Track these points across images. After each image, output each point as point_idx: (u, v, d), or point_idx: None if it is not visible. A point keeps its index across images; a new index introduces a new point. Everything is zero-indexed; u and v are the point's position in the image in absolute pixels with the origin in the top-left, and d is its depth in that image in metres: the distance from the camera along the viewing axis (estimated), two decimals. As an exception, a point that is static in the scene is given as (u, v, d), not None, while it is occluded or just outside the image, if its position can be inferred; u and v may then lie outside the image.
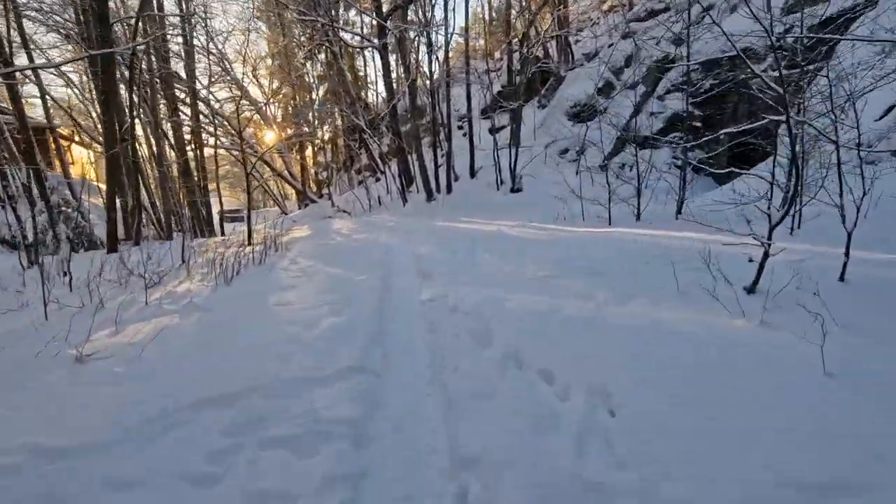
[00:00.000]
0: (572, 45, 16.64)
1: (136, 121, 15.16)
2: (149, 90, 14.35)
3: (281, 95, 26.16)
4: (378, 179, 20.90)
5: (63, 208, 10.31)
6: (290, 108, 26.70)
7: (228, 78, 21.60)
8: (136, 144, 13.01)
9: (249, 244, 9.32)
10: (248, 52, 24.61)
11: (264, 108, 25.57)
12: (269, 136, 25.22)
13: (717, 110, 13.76)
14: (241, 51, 24.02)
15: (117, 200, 10.41)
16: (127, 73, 11.86)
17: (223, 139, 20.95)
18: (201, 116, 20.39)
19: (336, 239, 9.35)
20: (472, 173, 15.38)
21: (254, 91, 25.42)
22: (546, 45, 15.94)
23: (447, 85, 14.09)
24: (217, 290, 4.69)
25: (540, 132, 15.35)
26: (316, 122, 26.17)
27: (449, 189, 14.74)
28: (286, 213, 23.72)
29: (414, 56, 15.59)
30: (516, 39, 15.69)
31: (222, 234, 15.43)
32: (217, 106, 20.77)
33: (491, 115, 14.10)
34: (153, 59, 14.14)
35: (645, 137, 14.23)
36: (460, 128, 20.67)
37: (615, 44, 15.52)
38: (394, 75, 18.98)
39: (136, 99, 11.02)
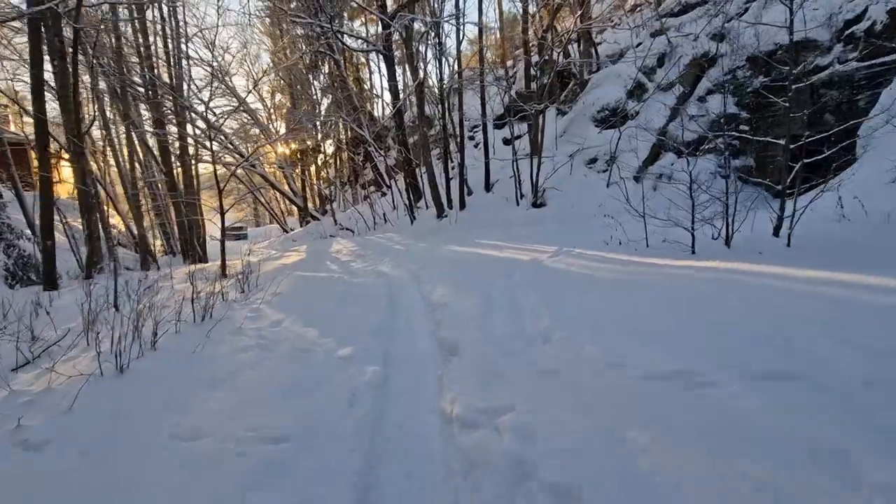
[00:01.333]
0: (596, 45, 14.88)
1: (110, 128, 13.63)
2: (118, 89, 12.74)
3: (284, 110, 24.70)
4: (384, 195, 19.17)
5: (5, 234, 8.65)
6: (293, 122, 25.26)
7: (224, 89, 20.12)
8: (100, 152, 11.44)
9: (224, 276, 7.52)
10: (249, 64, 23.21)
11: (266, 121, 24.12)
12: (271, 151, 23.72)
13: (767, 112, 11.82)
14: (241, 63, 22.51)
15: (79, 223, 8.67)
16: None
17: (219, 154, 19.39)
18: (196, 129, 18.90)
19: (330, 268, 7.54)
20: (488, 187, 13.56)
21: (254, 104, 23.98)
22: (567, 46, 14.21)
23: (459, 89, 12.35)
24: (98, 385, 2.79)
25: (562, 141, 13.53)
26: (320, 135, 24.65)
27: (462, 205, 12.92)
28: (287, 231, 22.05)
29: (422, 60, 13.90)
30: (535, 40, 13.98)
31: (201, 257, 13.70)
32: (213, 119, 19.26)
33: (510, 119, 12.28)
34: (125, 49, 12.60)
35: (685, 144, 12.34)
36: (471, 138, 18.94)
37: (645, 42, 13.72)
38: (400, 85, 17.39)
39: (89, 85, 9.46)
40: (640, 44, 13.87)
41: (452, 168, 16.37)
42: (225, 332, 3.75)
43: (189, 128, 16.48)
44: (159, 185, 14.39)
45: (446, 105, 12.66)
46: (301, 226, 21.70)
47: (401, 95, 14.91)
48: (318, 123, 23.84)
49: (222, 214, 8.17)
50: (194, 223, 13.88)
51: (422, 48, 14.45)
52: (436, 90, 17.95)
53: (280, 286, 5.51)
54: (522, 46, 15.14)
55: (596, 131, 12.99)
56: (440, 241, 9.64)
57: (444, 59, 12.21)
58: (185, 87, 14.81)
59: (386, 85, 18.18)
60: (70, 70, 8.01)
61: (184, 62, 14.32)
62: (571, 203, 11.60)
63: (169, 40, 14.26)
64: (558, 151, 13.06)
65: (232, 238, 31.43)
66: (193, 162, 20.72)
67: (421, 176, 14.84)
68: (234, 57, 20.01)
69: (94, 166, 13.96)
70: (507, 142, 17.90)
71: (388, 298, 4.84)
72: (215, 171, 9.27)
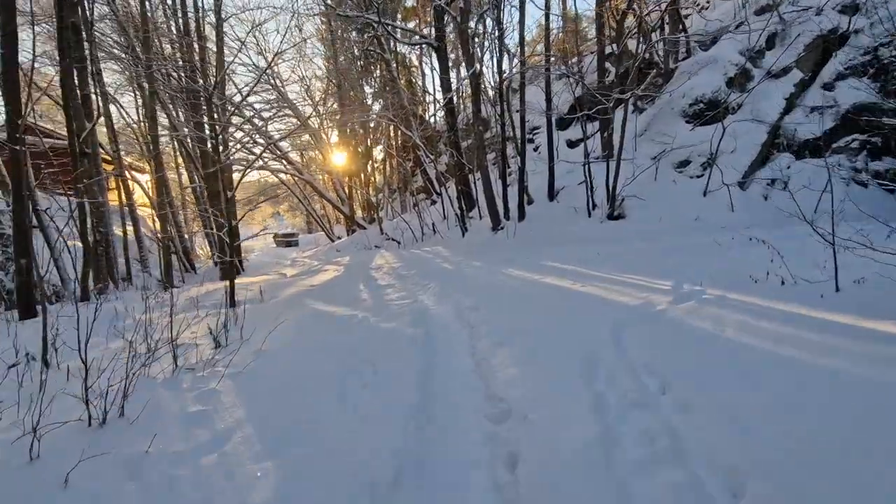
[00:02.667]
0: (685, 27, 12.46)
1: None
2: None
3: (337, 115, 23.82)
4: (433, 203, 17.56)
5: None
6: (347, 130, 24.35)
7: (274, 93, 19.39)
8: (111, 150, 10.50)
9: (233, 304, 6.03)
10: (301, 69, 22.50)
11: (317, 126, 23.33)
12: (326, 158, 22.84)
13: (926, 100, 9.03)
14: (294, 67, 21.80)
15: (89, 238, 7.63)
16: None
17: (267, 160, 18.61)
18: (240, 133, 18.21)
19: (359, 297, 5.85)
20: (551, 195, 11.54)
21: (302, 105, 23.21)
22: (647, 31, 11.94)
23: (522, 80, 10.44)
24: None
25: (643, 140, 11.27)
26: (370, 140, 23.53)
27: (521, 215, 10.97)
28: (332, 240, 20.99)
29: (478, 49, 12.12)
30: (610, 23, 11.86)
31: (239, 270, 12.57)
32: (260, 123, 18.52)
33: (584, 112, 10.22)
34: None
35: (804, 142, 9.77)
36: (531, 141, 16.92)
37: (749, 21, 11.20)
38: (454, 85, 15.72)
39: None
40: (741, 23, 11.37)
41: (510, 174, 14.48)
42: (106, 467, 2.08)
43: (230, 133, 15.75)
44: (202, 193, 13.56)
45: (505, 100, 10.79)
46: (348, 234, 20.54)
47: (454, 95, 13.27)
48: (369, 127, 22.75)
49: (230, 225, 6.75)
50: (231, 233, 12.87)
51: (477, 39, 12.68)
52: (491, 91, 16.21)
53: (279, 330, 3.86)
54: (596, 30, 13.00)
55: (687, 128, 10.63)
56: (497, 261, 7.77)
57: (503, 49, 10.37)
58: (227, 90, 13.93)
59: (438, 86, 16.60)
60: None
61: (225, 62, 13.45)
62: (658, 215, 9.35)
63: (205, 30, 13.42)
64: (638, 153, 10.83)
65: (283, 245, 31.07)
66: (237, 167, 20.15)
67: (474, 182, 13.06)
68: (281, 57, 19.20)
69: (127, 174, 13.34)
70: (571, 144, 15.76)
71: (425, 370, 3.02)
72: (240, 176, 7.91)
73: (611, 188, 9.70)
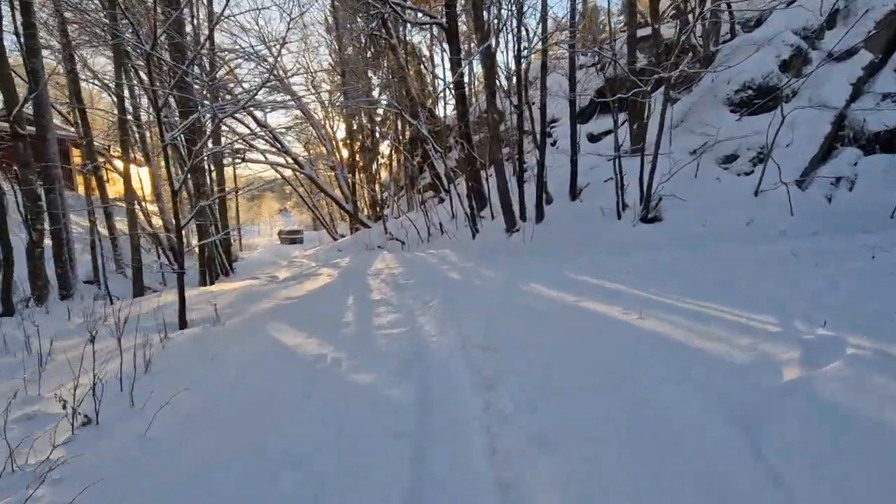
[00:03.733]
0: (730, 6, 10.90)
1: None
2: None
3: (342, 108, 22.50)
4: (441, 201, 16.24)
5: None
6: (354, 125, 23.07)
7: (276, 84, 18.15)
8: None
9: (183, 325, 4.75)
10: (307, 60, 21.24)
11: (322, 120, 22.09)
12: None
13: None
14: (299, 57, 20.52)
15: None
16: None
17: (266, 153, 17.40)
18: (245, 128, 17.02)
19: (341, 321, 4.54)
20: (574, 193, 10.14)
21: (305, 96, 21.93)
22: (686, 10, 10.45)
23: (543, 60, 9.02)
24: None
25: (679, 133, 9.82)
26: (377, 132, 22.24)
27: (539, 216, 9.60)
28: (335, 239, 19.77)
29: (493, 30, 10.71)
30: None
31: (227, 271, 11.35)
32: (260, 116, 17.30)
33: (612, 99, 8.83)
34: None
35: (874, 135, 8.30)
36: (548, 135, 15.50)
37: (805, -4, 9.66)
38: (466, 80, 14.29)
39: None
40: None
41: (525, 169, 13.11)
42: None
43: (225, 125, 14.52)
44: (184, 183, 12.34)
45: (523, 83, 9.40)
46: (351, 233, 19.29)
47: (464, 76, 11.87)
48: (375, 121, 21.46)
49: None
50: (226, 232, 11.64)
51: (493, 10, 11.27)
52: (504, 79, 14.80)
53: (197, 389, 2.58)
54: (627, 11, 11.54)
55: (732, 118, 9.16)
56: (513, 271, 6.42)
57: (521, 25, 8.97)
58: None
59: (450, 76, 15.12)
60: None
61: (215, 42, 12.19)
62: (701, 217, 7.93)
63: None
64: (674, 147, 9.38)
65: (288, 242, 29.99)
66: (231, 162, 18.99)
67: (486, 179, 11.71)
68: (286, 48, 17.93)
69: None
70: (593, 138, 14.29)
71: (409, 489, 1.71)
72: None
73: (645, 186, 8.29)
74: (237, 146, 14.56)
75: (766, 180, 7.94)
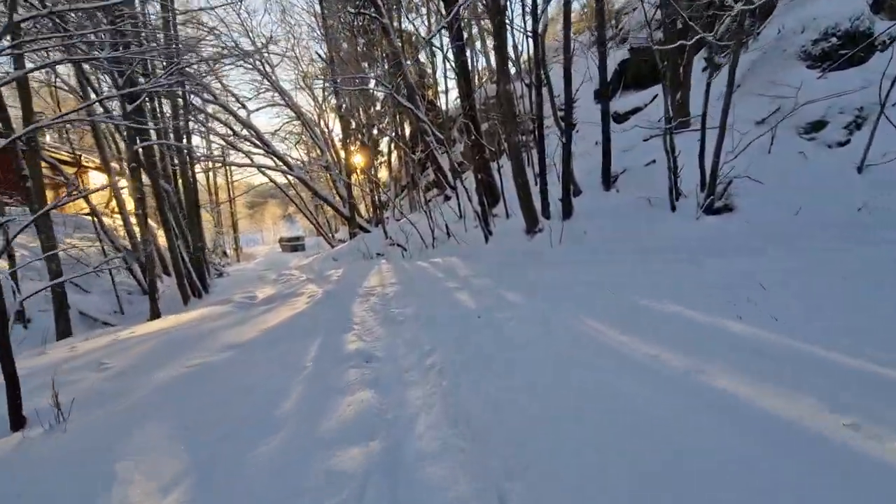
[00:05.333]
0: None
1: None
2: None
3: (343, 108, 20.58)
4: (447, 199, 14.31)
5: None
6: (352, 123, 21.21)
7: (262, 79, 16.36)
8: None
9: (18, 427, 2.84)
10: (297, 52, 19.40)
11: (316, 119, 20.27)
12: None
13: None
14: (286, 55, 18.65)
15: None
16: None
17: (252, 153, 15.59)
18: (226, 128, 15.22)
19: (282, 403, 2.66)
20: (608, 182, 8.16)
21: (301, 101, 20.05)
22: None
23: (566, 9, 7.00)
24: None
25: (738, 98, 7.75)
26: (376, 127, 20.35)
27: (567, 211, 7.64)
28: (332, 246, 17.96)
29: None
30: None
31: (199, 292, 9.55)
32: (244, 115, 15.50)
33: (668, 47, 6.81)
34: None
35: None
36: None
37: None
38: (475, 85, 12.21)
39: None
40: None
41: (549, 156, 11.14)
42: None
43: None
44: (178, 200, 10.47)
45: (540, 47, 7.40)
46: (351, 237, 17.45)
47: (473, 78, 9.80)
48: (372, 115, 19.58)
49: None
50: (196, 247, 9.84)
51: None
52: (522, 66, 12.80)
53: None
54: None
55: (811, 75, 7.09)
56: (550, 293, 4.49)
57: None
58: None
59: (451, 68, 13.09)
60: None
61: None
62: (787, 204, 5.91)
63: None
64: (732, 117, 7.32)
65: (289, 249, 28.24)
66: (211, 166, 17.21)
67: (498, 170, 9.76)
68: (273, 42, 16.11)
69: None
70: (619, 118, 12.23)
71: None
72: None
73: (708, 168, 6.28)
74: (217, 145, 12.78)
75: (874, 151, 5.88)
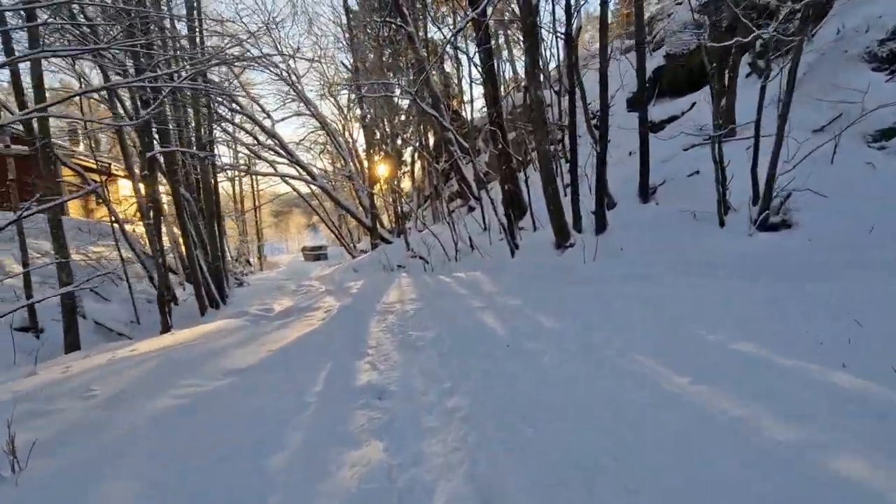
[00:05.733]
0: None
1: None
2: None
3: (367, 119, 20.47)
4: (471, 210, 13.87)
5: None
6: (377, 133, 21.11)
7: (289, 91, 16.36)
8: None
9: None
10: (324, 64, 19.44)
11: (341, 129, 20.24)
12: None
13: None
14: (311, 62, 18.66)
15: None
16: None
17: (276, 162, 15.54)
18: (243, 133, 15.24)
19: (271, 460, 2.21)
20: (645, 194, 7.56)
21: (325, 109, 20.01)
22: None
23: (603, 31, 6.51)
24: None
25: (794, 104, 7.07)
26: (400, 136, 20.15)
27: (601, 225, 7.08)
28: (353, 256, 17.70)
29: None
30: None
31: (217, 302, 9.31)
32: (269, 124, 15.48)
33: (710, 70, 6.22)
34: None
35: None
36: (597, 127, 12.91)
37: None
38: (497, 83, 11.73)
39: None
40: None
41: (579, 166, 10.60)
42: None
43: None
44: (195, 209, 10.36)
45: (574, 46, 6.91)
46: (372, 248, 17.16)
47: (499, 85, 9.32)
48: (396, 125, 19.39)
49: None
50: (216, 256, 9.66)
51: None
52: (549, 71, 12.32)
53: None
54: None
55: (879, 78, 6.37)
56: (586, 317, 3.95)
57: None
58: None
59: (476, 76, 12.65)
60: None
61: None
62: (857, 219, 5.20)
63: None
64: (787, 125, 6.65)
65: (312, 259, 28.27)
66: (235, 174, 17.23)
67: (525, 180, 9.26)
68: (301, 54, 16.11)
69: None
70: (654, 127, 11.59)
71: None
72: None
73: (762, 181, 5.64)
74: (242, 154, 12.71)
75: (961, 161, 5.13)
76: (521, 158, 9.29)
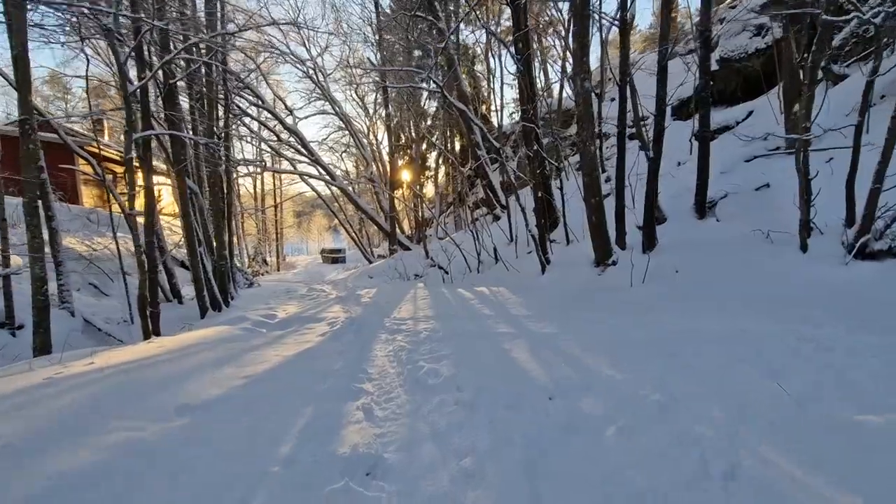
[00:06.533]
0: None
1: None
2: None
3: (394, 122, 19.81)
4: (496, 218, 12.95)
5: None
6: (401, 138, 20.48)
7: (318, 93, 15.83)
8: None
9: None
10: (350, 58, 18.90)
11: (365, 132, 19.65)
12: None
13: None
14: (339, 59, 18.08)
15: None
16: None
17: (295, 161, 14.95)
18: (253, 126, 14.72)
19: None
20: (702, 209, 6.52)
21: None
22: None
23: (665, 15, 5.56)
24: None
25: (879, 113, 5.96)
26: (425, 139, 19.45)
27: (649, 242, 6.07)
28: (370, 261, 16.94)
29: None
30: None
31: (218, 303, 8.62)
32: (291, 121, 14.92)
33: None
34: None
35: None
36: (632, 137, 11.89)
37: None
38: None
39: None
40: None
41: (607, 178, 9.59)
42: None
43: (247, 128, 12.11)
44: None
45: (628, 38, 5.98)
46: (390, 254, 16.38)
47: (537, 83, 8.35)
48: (421, 128, 18.67)
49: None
50: (221, 255, 8.97)
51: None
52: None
53: None
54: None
55: None
56: (649, 362, 2.98)
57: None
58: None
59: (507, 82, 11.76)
60: None
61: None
62: None
63: None
64: (871, 134, 5.55)
65: (330, 261, 27.72)
66: (252, 171, 16.76)
67: (560, 187, 8.29)
68: (328, 51, 15.51)
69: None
70: (707, 137, 10.46)
71: None
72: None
73: (861, 200, 4.56)
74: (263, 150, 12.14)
75: None
76: (556, 163, 8.34)
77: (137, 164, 5.84)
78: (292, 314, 7.55)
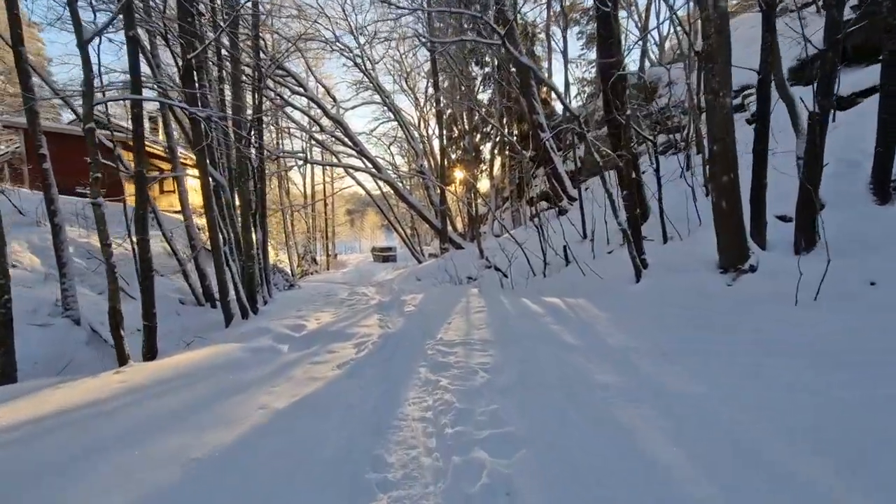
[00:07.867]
0: None
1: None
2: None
3: (448, 111, 18.40)
4: (563, 212, 11.11)
5: None
6: (454, 131, 19.07)
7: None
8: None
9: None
10: (401, 51, 17.69)
11: (416, 124, 18.44)
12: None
13: None
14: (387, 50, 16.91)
15: None
16: None
17: (341, 154, 13.93)
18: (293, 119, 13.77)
19: None
20: (884, 189, 4.43)
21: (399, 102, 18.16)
22: None
23: None
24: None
25: None
26: (478, 134, 17.89)
27: (808, 238, 4.11)
28: (419, 261, 15.64)
29: None
30: None
31: (250, 310, 7.57)
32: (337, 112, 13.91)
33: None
34: None
35: None
36: (742, 108, 9.62)
37: None
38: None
39: None
40: None
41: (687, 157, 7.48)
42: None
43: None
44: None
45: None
46: (441, 253, 14.98)
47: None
48: (474, 116, 17.11)
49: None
50: (248, 255, 7.96)
51: None
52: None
53: None
54: None
55: None
56: None
57: None
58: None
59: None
60: None
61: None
62: None
63: None
64: None
65: (380, 259, 26.91)
66: (294, 164, 15.94)
67: (656, 171, 6.37)
68: (376, 38, 14.36)
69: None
70: (841, 102, 8.07)
71: None
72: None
73: None
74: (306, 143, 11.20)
75: None
76: (649, 136, 6.46)
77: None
78: (322, 325, 6.34)
